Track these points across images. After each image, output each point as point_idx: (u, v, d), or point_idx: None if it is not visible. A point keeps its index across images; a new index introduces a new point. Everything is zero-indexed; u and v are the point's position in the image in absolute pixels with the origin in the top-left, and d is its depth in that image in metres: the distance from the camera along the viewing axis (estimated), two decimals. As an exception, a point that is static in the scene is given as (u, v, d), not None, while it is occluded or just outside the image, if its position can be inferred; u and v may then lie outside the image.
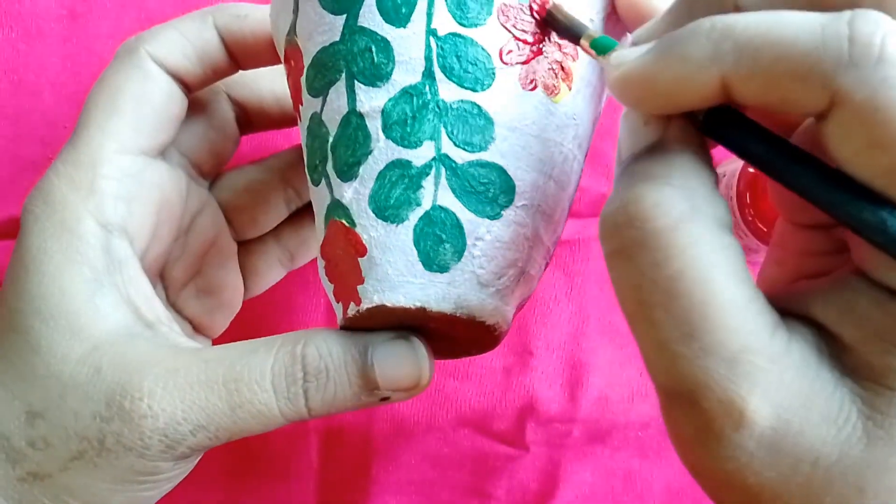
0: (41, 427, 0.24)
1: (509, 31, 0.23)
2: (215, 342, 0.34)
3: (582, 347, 0.41)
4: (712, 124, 0.19)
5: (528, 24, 0.24)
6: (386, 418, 0.41)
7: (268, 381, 0.24)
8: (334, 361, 0.25)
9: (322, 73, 0.25)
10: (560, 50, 0.24)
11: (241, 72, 0.31)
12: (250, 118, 0.33)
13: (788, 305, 0.18)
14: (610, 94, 0.26)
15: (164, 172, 0.29)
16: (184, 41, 0.28)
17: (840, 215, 0.17)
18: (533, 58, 0.24)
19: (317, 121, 0.25)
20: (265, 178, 0.34)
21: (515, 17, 0.23)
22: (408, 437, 0.41)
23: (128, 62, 0.28)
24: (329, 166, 0.25)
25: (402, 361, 0.25)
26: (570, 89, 0.24)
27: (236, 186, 0.34)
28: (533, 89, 0.24)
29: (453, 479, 0.41)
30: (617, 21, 0.26)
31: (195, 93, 0.30)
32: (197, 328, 0.33)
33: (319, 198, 0.26)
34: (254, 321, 0.37)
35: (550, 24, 0.24)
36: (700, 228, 0.17)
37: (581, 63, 0.25)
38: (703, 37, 0.17)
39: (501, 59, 0.23)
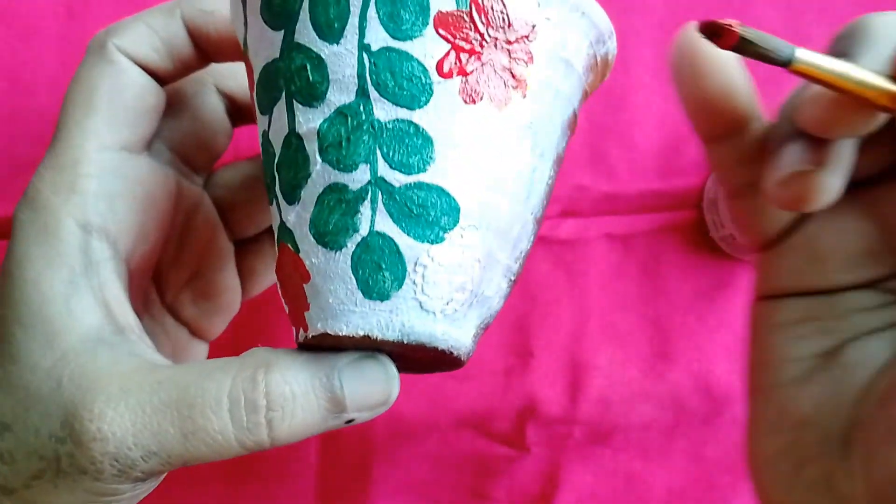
0: (9, 440, 0.24)
1: (448, 41, 0.22)
2: (212, 344, 0.34)
3: (582, 348, 0.41)
4: None
5: (471, 31, 0.22)
6: (386, 419, 0.40)
7: (224, 408, 0.23)
8: (301, 387, 0.23)
9: (266, 90, 0.24)
10: (509, 56, 0.22)
11: (230, 63, 0.30)
12: (241, 110, 0.32)
13: None
14: (585, 90, 0.26)
15: (149, 168, 0.28)
16: (151, 34, 0.28)
17: None
18: (476, 67, 0.22)
19: (266, 139, 0.25)
20: (259, 174, 0.33)
21: (455, 25, 0.22)
22: (408, 438, 0.41)
23: (98, 57, 0.27)
24: (277, 188, 0.24)
25: (370, 382, 0.24)
26: (524, 96, 0.23)
27: (230, 183, 0.33)
28: (477, 101, 0.22)
29: (453, 481, 0.41)
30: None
31: (170, 84, 0.30)
32: (194, 332, 0.33)
33: (273, 218, 0.25)
34: (250, 323, 0.37)
35: (742, 52, 0.20)
36: None
37: (538, 66, 0.23)
38: None
39: (440, 72, 0.22)
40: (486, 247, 0.23)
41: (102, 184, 0.26)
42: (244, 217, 0.33)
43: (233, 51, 0.29)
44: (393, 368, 0.25)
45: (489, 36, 0.22)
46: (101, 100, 0.27)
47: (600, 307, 0.41)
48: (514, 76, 0.23)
